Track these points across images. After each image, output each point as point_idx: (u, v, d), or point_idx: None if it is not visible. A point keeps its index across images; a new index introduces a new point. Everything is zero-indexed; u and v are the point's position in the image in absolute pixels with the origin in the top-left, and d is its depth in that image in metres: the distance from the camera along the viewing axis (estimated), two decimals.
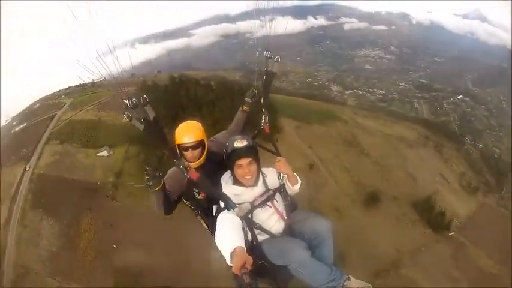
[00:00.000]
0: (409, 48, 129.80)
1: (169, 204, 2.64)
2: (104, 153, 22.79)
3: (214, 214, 2.58)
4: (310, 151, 29.45)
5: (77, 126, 26.90)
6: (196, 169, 2.54)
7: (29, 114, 35.74)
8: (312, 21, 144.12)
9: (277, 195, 2.67)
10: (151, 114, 2.23)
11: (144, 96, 2.18)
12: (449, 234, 30.28)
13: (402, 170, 33.09)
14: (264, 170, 2.72)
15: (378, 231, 24.28)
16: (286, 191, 2.73)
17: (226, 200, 2.43)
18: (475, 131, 68.85)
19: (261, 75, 2.94)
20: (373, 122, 43.97)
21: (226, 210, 2.43)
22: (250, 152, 2.53)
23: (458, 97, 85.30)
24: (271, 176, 2.72)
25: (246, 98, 3.14)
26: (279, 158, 2.74)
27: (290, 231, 2.60)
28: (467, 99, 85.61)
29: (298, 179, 2.80)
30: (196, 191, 2.77)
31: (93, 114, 28.49)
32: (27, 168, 23.75)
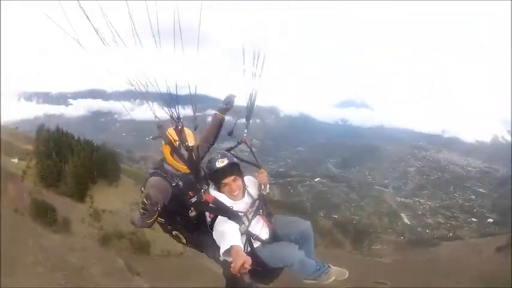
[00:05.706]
0: (272, 140, 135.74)
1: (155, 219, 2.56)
2: (15, 160, 36.00)
3: (208, 222, 2.58)
4: None
5: None
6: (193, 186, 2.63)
7: None
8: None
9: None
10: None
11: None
12: None
13: None
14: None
15: None
16: (264, 199, 2.86)
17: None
18: (331, 205, 79.03)
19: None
20: None
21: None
22: (233, 169, 2.57)
23: (316, 180, 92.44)
24: (251, 185, 2.79)
25: (221, 104, 3.11)
26: (261, 170, 2.86)
27: (274, 235, 2.74)
28: (325, 180, 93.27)
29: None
30: (192, 209, 2.65)
31: None
32: None
